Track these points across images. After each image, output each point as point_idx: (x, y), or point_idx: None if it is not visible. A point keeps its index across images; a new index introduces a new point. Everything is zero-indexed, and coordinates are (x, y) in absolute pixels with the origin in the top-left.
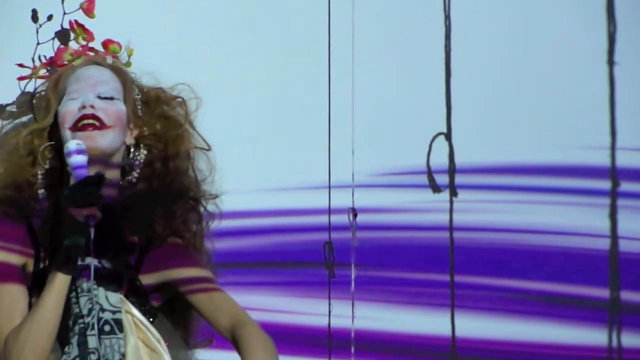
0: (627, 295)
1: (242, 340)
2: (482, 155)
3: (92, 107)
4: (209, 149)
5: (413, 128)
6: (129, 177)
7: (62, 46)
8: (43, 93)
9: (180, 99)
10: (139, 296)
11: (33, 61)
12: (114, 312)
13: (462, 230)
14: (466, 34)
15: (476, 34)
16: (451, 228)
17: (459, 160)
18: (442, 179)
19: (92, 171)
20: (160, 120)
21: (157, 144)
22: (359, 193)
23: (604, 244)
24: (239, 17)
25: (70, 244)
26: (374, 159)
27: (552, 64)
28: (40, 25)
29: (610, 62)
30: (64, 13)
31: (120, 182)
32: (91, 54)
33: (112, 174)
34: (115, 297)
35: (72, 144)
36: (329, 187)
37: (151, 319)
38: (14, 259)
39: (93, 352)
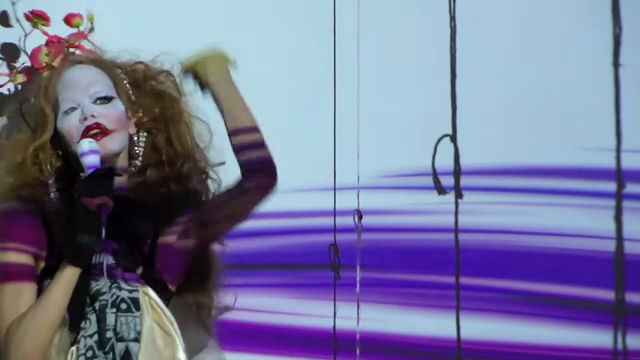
0: (632, 297)
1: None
2: (487, 157)
3: (92, 116)
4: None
5: (418, 130)
6: (135, 162)
7: (35, 47)
8: (32, 100)
9: (165, 72)
10: (154, 281)
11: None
12: (130, 291)
13: (468, 232)
14: (471, 35)
15: (481, 35)
16: (456, 230)
17: (464, 162)
18: (448, 181)
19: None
20: (154, 99)
21: (158, 125)
22: (364, 195)
23: (609, 245)
24: (244, 19)
25: (83, 243)
26: (379, 161)
27: (557, 65)
28: None
29: (616, 64)
30: (13, 3)
31: (128, 169)
32: (66, 49)
33: (121, 164)
34: (132, 277)
35: (84, 145)
36: (334, 188)
37: (166, 302)
38: (28, 259)
39: (110, 330)
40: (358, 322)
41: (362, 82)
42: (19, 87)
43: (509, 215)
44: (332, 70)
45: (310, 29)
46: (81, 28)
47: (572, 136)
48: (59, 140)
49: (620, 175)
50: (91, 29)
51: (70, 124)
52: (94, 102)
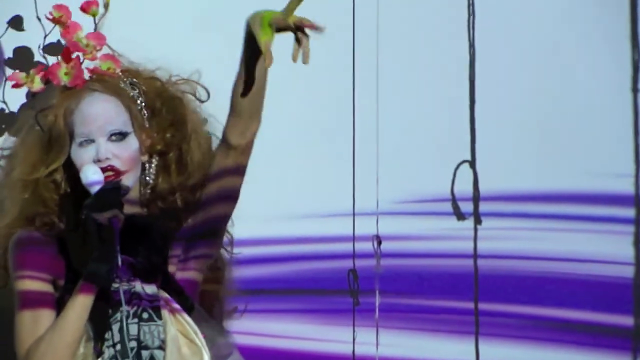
0: None
1: None
2: (506, 182)
3: (107, 159)
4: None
5: (437, 155)
6: (147, 191)
7: (55, 62)
8: (49, 117)
9: (179, 98)
10: (174, 291)
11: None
12: (151, 302)
13: (486, 257)
14: (490, 61)
15: (500, 61)
16: (475, 255)
17: (483, 188)
18: (467, 207)
19: None
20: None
21: (170, 149)
22: (383, 220)
23: (628, 271)
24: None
25: (98, 259)
26: (398, 187)
27: (575, 91)
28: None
29: (635, 90)
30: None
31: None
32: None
33: (132, 195)
34: (152, 288)
35: (90, 175)
36: (354, 214)
37: (188, 312)
38: (44, 285)
39: (133, 339)
40: (377, 348)
41: (381, 108)
42: (34, 95)
43: (527, 241)
44: (351, 96)
45: (330, 56)
46: (97, 17)
47: (590, 162)
48: (70, 165)
49: (638, 201)
50: (106, 3)
51: (83, 160)
52: (109, 139)
